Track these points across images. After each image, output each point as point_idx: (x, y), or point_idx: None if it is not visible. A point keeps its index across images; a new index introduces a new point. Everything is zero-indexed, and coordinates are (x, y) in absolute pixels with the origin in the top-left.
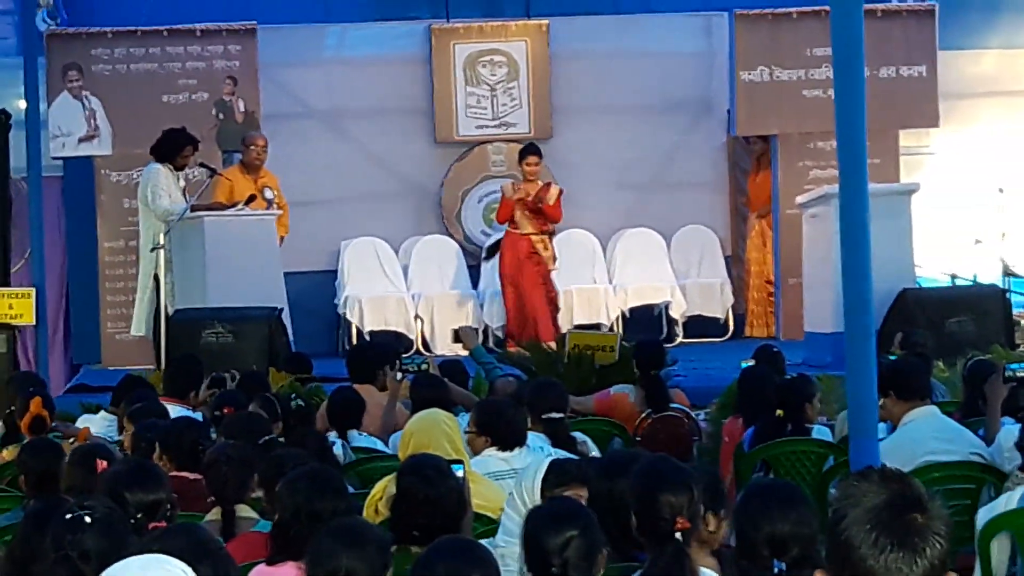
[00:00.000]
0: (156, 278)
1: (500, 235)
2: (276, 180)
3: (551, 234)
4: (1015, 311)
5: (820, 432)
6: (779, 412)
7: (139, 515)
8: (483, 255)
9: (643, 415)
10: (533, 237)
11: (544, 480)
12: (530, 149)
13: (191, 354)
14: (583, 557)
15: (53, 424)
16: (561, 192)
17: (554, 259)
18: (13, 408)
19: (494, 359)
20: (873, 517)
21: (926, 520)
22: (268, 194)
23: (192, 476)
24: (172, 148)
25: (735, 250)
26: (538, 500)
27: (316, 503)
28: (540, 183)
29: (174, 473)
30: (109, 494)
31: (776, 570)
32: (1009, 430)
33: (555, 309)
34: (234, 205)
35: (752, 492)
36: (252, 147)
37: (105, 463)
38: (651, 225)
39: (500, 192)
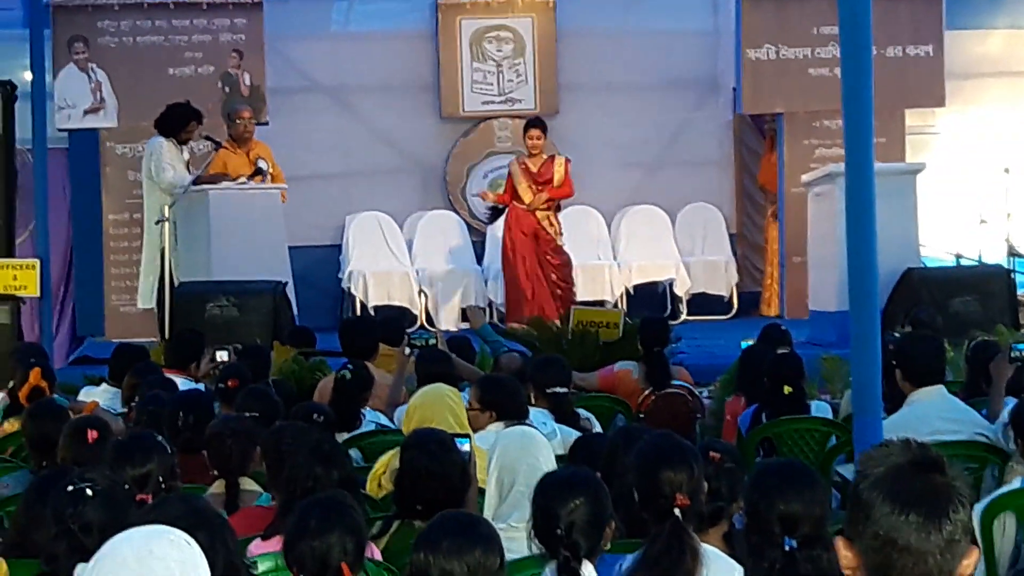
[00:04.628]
0: (162, 251)
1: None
2: (268, 149)
3: (557, 208)
4: (1020, 291)
5: (819, 408)
6: (787, 389)
7: (126, 487)
8: (487, 219)
9: (646, 392)
10: (539, 213)
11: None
12: (533, 123)
13: (192, 327)
14: (589, 524)
15: (53, 395)
16: (568, 162)
17: (560, 233)
18: (13, 381)
19: (501, 337)
20: (893, 476)
21: (947, 481)
22: (262, 164)
23: None
24: (176, 123)
25: (740, 228)
26: None
27: (317, 475)
28: (544, 156)
29: None
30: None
31: (787, 547)
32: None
33: (564, 288)
34: (229, 176)
35: (765, 470)
36: (239, 120)
37: (96, 433)
38: (656, 202)
39: (507, 168)
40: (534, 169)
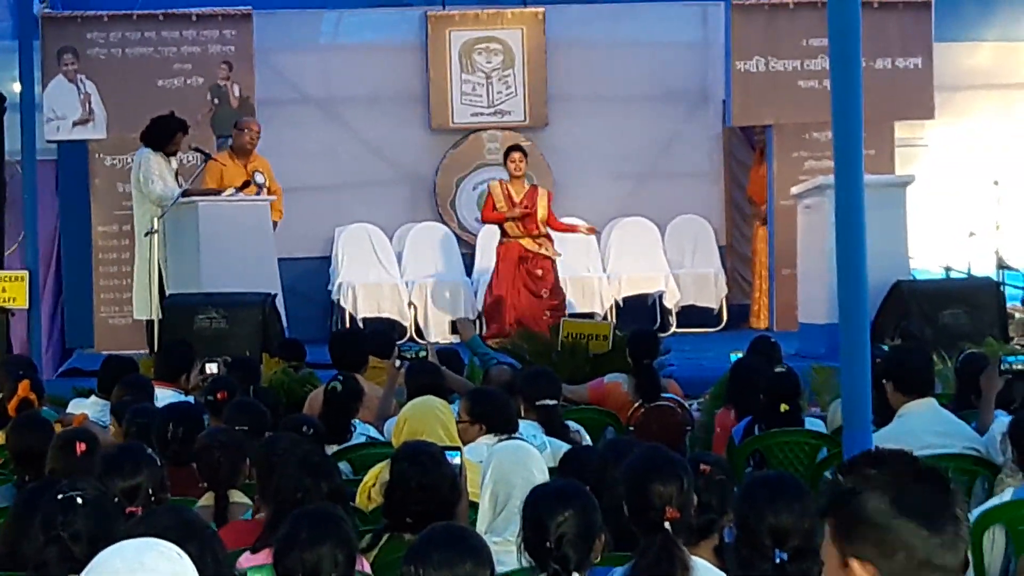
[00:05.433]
0: (154, 262)
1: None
2: (267, 164)
3: (546, 234)
4: (1009, 304)
5: (812, 423)
6: (784, 407)
7: (116, 499)
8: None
9: (636, 404)
10: (523, 241)
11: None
12: (515, 147)
13: (182, 338)
14: (579, 536)
15: (42, 408)
16: (550, 195)
17: (552, 247)
18: (2, 392)
19: (490, 349)
20: (914, 493)
21: (956, 496)
22: (259, 178)
23: None
24: (162, 135)
25: (729, 240)
26: None
27: (306, 487)
28: (527, 185)
29: None
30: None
31: (777, 559)
32: (1003, 422)
33: (549, 300)
34: (224, 190)
35: (755, 483)
36: (247, 131)
37: (84, 446)
38: (646, 214)
39: (488, 187)
40: (517, 199)
